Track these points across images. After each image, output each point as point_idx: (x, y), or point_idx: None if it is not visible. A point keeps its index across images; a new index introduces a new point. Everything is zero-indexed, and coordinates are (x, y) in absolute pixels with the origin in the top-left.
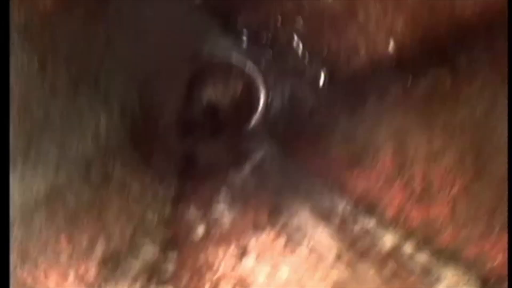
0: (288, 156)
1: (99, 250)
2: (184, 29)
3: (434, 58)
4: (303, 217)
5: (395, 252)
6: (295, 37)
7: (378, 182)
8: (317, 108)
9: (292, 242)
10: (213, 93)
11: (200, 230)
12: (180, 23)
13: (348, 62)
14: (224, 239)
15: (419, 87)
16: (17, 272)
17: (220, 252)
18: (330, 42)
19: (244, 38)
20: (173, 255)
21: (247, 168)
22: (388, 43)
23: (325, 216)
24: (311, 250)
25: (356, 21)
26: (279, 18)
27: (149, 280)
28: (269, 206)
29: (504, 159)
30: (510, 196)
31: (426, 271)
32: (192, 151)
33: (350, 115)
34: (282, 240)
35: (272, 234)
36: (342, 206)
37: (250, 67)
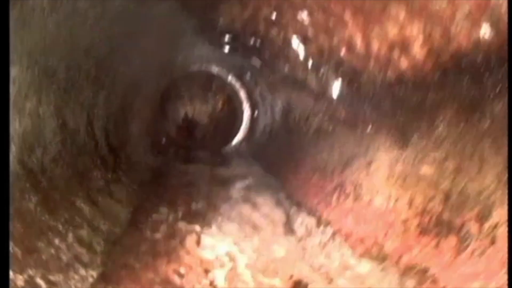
0: (281, 190)
1: None
2: (155, 31)
3: None
4: None
5: None
6: (295, 37)
7: None
8: (325, 130)
9: None
10: (190, 108)
11: None
12: (151, 24)
13: (381, 68)
14: None
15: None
16: None
17: None
18: (351, 41)
19: (226, 41)
20: None
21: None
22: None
23: None
24: None
25: (391, 16)
26: (273, 13)
27: None
28: None
29: None
30: (510, 195)
31: None
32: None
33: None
34: None
35: None
36: None
37: (232, 77)
